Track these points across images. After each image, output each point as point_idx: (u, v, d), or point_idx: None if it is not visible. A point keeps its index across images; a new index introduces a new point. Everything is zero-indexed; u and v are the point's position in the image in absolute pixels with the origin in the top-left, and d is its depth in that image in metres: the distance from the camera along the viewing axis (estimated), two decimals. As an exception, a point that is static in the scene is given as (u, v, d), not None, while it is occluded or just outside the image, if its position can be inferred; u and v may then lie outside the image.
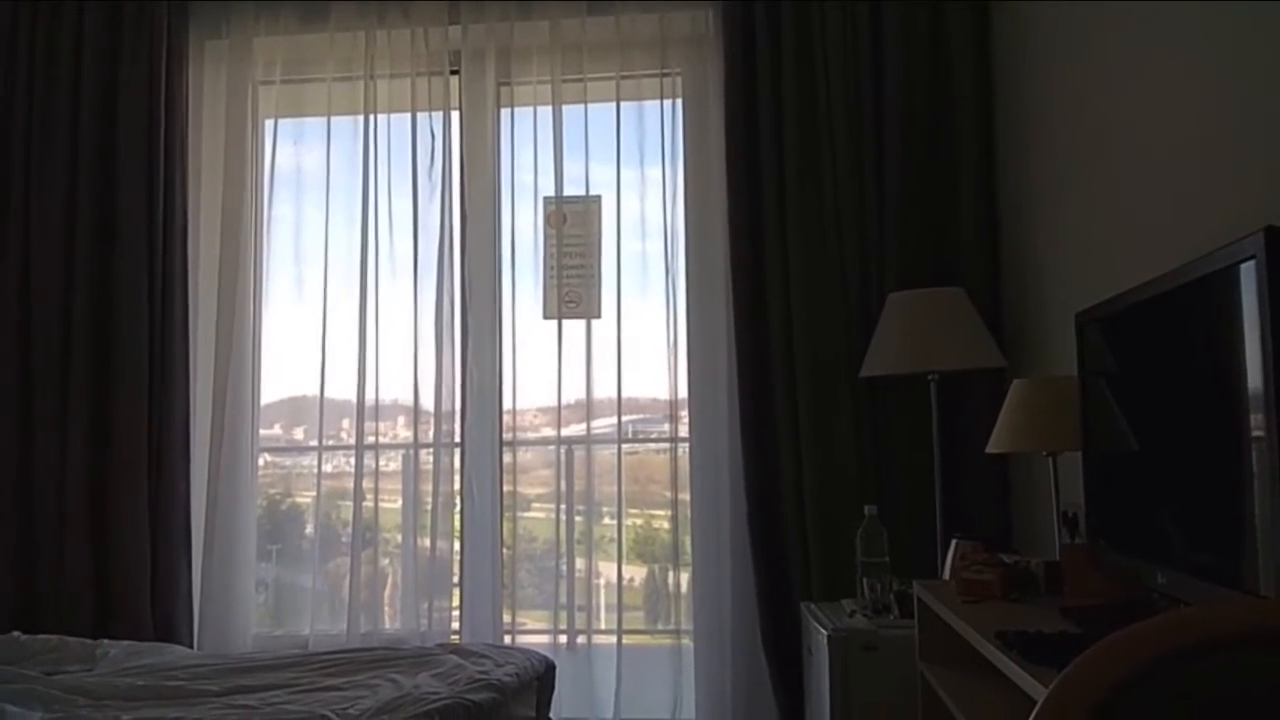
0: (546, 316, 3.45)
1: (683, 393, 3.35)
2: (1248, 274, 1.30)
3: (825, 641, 2.51)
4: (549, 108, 3.45)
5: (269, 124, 3.60)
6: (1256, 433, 1.29)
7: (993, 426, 2.33)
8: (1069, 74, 2.48)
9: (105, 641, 2.89)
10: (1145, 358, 1.75)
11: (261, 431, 3.57)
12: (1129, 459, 1.81)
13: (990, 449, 2.34)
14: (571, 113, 3.45)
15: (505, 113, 3.53)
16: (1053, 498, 2.24)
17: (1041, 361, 2.67)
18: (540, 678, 2.67)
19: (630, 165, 3.44)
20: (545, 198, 3.48)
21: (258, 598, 3.54)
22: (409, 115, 3.48)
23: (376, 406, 3.45)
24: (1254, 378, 1.29)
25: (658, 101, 3.42)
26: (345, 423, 3.55)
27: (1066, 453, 2.19)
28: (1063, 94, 2.53)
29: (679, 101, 3.41)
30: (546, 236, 3.49)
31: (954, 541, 2.36)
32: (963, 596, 2.03)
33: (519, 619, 3.38)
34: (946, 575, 2.37)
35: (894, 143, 3.12)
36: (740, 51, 3.21)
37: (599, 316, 3.41)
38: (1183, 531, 1.59)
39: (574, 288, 3.46)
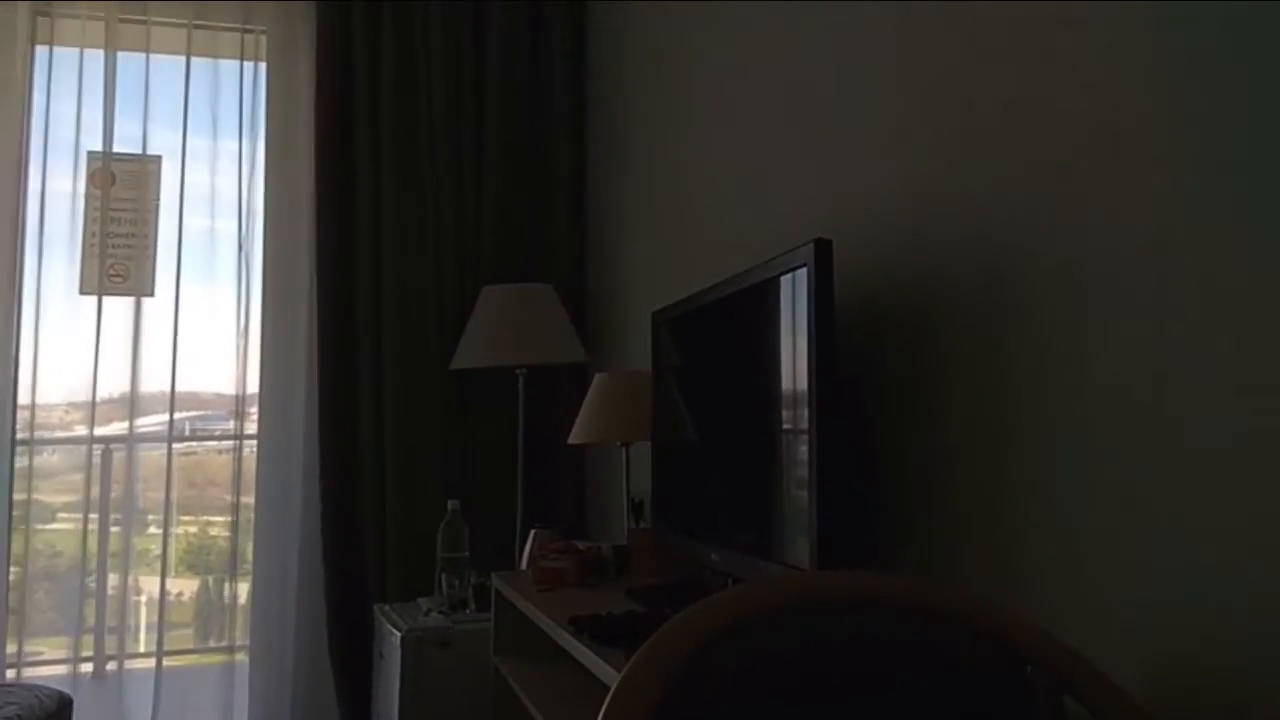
0: (84, 292, 2.96)
1: (252, 387, 3.05)
2: (799, 280, 1.44)
3: (398, 642, 2.40)
4: (100, 51, 2.98)
5: None
6: (802, 426, 1.42)
7: (575, 419, 2.40)
8: (652, 88, 2.65)
9: None
10: (707, 355, 1.89)
11: None
12: (689, 448, 1.94)
13: (571, 440, 2.41)
14: (130, 61, 3.01)
15: (42, 51, 2.97)
16: (624, 485, 2.36)
17: (622, 357, 2.81)
18: (51, 716, 2.25)
19: (201, 131, 3.08)
20: (90, 152, 2.98)
21: None
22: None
23: None
24: (801, 374, 1.43)
25: (237, 62, 3.09)
26: None
27: (640, 443, 2.31)
28: (647, 106, 2.70)
29: (262, 65, 3.11)
30: (89, 199, 2.99)
31: (533, 531, 2.39)
32: (538, 585, 2.05)
33: (32, 649, 2.86)
34: (525, 565, 2.39)
35: (493, 139, 3.12)
36: (335, 22, 3.01)
37: (152, 295, 3.00)
38: (730, 513, 1.73)
39: (121, 260, 3.00)
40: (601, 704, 0.91)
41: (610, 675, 1.40)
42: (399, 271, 3.02)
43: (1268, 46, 0.96)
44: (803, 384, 1.42)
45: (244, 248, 3.07)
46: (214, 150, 3.08)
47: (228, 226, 3.08)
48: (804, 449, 1.40)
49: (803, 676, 1.01)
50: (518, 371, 2.80)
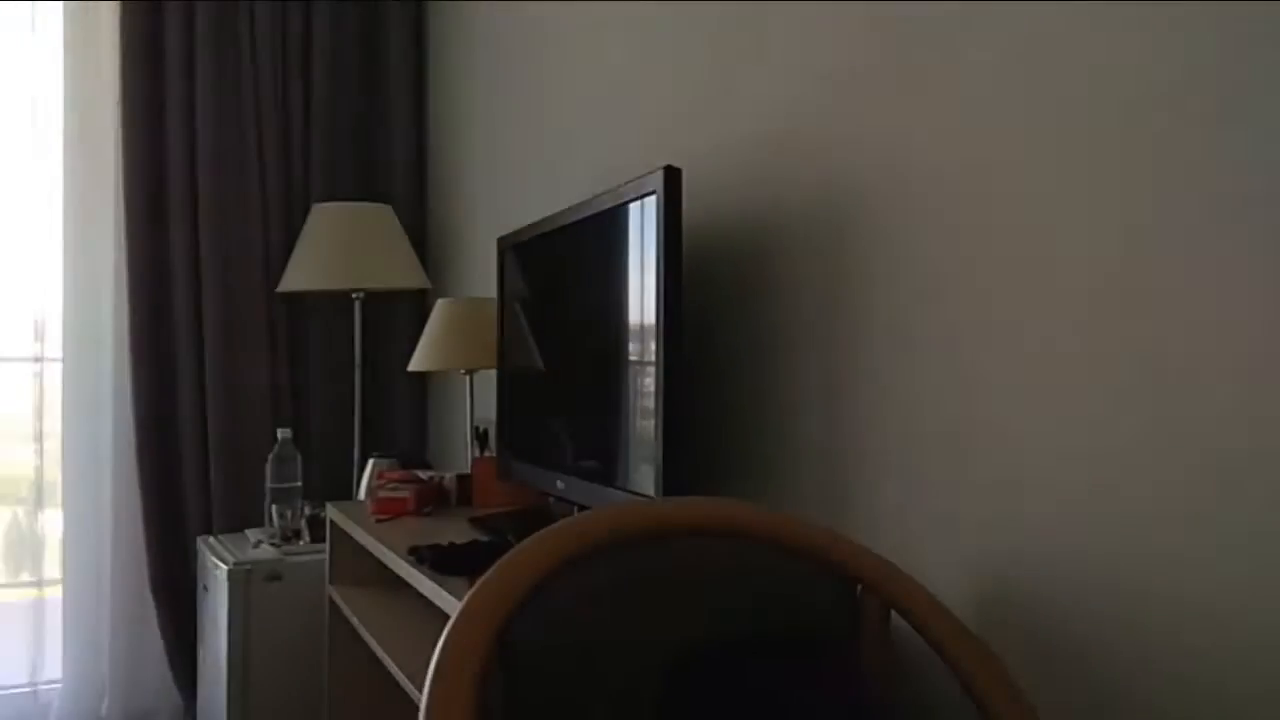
0: None
1: (54, 306, 2.80)
2: (648, 208, 1.43)
3: (225, 576, 2.31)
4: None
5: None
6: (649, 354, 1.42)
7: (415, 346, 2.33)
8: (496, 18, 2.54)
9: None
10: (554, 283, 1.86)
11: None
12: (535, 376, 1.92)
13: (412, 368, 2.34)
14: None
15: None
16: (468, 414, 2.32)
17: (465, 284, 2.74)
18: None
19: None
20: None
21: None
22: None
23: None
24: (649, 301, 1.43)
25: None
26: None
27: (484, 371, 2.28)
28: (495, 26, 2.59)
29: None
30: None
31: (371, 461, 2.33)
32: (377, 515, 2.00)
33: None
34: (363, 496, 2.33)
35: (326, 56, 2.93)
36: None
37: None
38: (576, 442, 1.73)
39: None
40: (441, 633, 0.90)
41: (451, 604, 1.38)
42: (217, 183, 2.80)
43: None
44: (650, 311, 1.42)
45: (39, 152, 2.78)
46: None
47: (20, 127, 2.77)
48: (650, 378, 1.41)
49: (645, 602, 1.03)
50: (354, 296, 2.68)
